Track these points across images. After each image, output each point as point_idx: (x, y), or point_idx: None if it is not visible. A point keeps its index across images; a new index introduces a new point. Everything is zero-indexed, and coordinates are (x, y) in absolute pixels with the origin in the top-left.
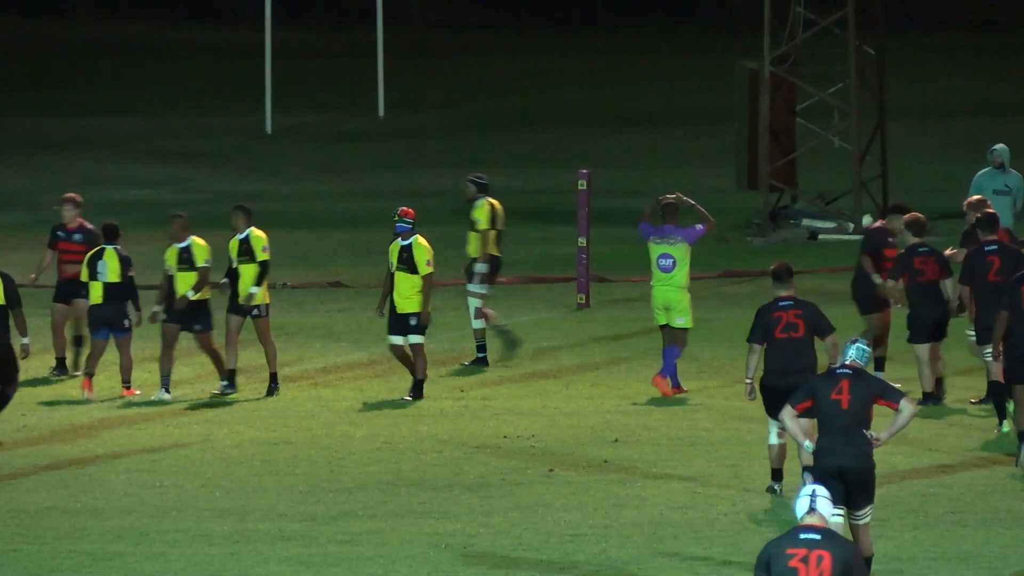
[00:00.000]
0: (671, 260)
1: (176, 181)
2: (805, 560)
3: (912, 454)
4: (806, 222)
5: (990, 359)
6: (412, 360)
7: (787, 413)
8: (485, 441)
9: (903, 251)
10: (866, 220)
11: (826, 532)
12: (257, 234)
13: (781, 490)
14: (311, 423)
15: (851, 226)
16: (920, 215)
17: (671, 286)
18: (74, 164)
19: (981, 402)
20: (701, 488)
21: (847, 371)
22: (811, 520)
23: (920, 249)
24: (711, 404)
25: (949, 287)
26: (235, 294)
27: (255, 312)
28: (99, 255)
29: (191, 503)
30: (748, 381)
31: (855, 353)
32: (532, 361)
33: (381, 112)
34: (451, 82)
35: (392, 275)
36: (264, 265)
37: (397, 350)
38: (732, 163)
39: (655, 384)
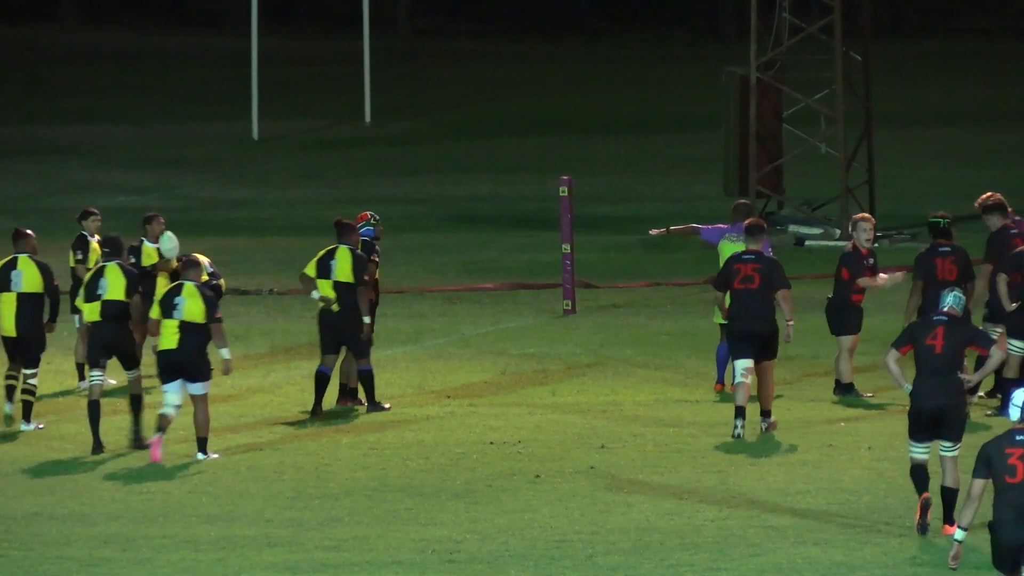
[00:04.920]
0: None
1: (163, 188)
2: (1023, 458)
3: (898, 460)
4: (792, 228)
5: None
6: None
7: (891, 356)
8: (471, 447)
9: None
10: None
11: None
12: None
13: (743, 427)
14: (297, 429)
15: (837, 232)
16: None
17: None
18: (61, 171)
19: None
20: (687, 494)
21: (943, 317)
22: None
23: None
24: (697, 411)
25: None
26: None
27: None
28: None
29: (178, 509)
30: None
31: (952, 300)
32: (518, 367)
33: (368, 119)
34: (437, 89)
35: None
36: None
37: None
38: (719, 170)
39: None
